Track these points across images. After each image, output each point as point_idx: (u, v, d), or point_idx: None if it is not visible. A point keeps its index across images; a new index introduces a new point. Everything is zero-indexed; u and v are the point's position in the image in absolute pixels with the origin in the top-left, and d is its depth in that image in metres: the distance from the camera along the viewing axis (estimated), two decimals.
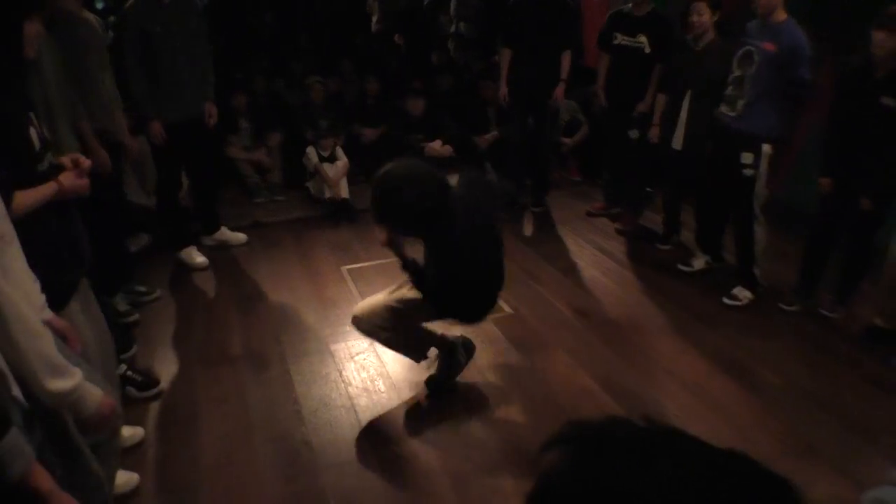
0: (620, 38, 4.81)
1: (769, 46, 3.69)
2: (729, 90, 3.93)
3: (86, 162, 2.11)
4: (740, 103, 3.85)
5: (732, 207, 4.13)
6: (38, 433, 1.43)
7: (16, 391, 1.39)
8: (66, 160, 2.06)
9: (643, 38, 4.71)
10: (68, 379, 1.49)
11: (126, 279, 3.96)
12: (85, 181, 2.07)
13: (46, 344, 1.46)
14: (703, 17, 4.16)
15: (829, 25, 4.14)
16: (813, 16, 3.76)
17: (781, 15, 3.70)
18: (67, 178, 1.99)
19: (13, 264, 1.56)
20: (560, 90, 5.24)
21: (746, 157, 3.87)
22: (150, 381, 3.24)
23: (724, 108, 3.97)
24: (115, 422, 1.65)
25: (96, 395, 1.57)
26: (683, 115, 4.37)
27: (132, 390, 3.16)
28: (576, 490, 0.57)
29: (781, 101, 3.79)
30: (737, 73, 3.88)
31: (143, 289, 4.10)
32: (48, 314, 1.85)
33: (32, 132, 1.91)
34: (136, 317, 3.83)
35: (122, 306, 3.78)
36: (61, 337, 1.86)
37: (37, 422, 1.44)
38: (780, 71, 3.69)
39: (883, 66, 3.42)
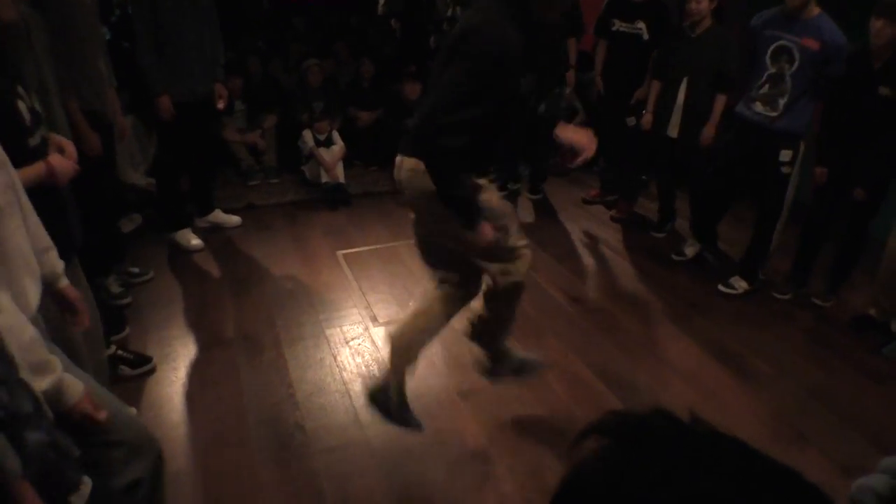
0: (619, 25, 4.79)
1: (812, 44, 3.54)
2: (765, 88, 3.74)
3: (71, 149, 2.08)
4: (781, 101, 3.69)
5: (761, 205, 4.05)
6: (46, 420, 1.38)
7: (25, 374, 1.36)
8: (52, 144, 2.03)
9: (642, 25, 4.68)
10: (48, 375, 1.46)
11: (118, 260, 3.95)
12: (71, 164, 2.04)
13: (28, 339, 1.43)
14: (701, 4, 4.13)
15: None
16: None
17: (815, 9, 3.56)
18: (57, 160, 1.95)
19: (11, 238, 1.54)
20: (571, 76, 5.23)
21: (785, 155, 3.77)
22: (142, 358, 3.24)
23: (760, 108, 3.78)
24: (102, 418, 1.59)
25: (77, 388, 1.54)
26: (679, 102, 4.36)
27: (125, 369, 3.17)
28: (611, 482, 0.55)
29: (816, 97, 3.72)
30: (772, 69, 3.70)
31: (135, 270, 4.09)
32: (64, 282, 1.84)
33: (21, 105, 1.87)
34: (128, 299, 3.82)
35: (114, 288, 3.76)
36: (72, 307, 1.87)
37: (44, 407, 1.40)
38: (820, 68, 3.58)
39: (880, 55, 3.42)
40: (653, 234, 4.95)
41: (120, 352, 3.21)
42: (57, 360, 1.51)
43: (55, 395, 1.47)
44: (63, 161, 1.99)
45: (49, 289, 1.77)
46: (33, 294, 1.61)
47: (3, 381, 1.23)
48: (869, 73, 3.46)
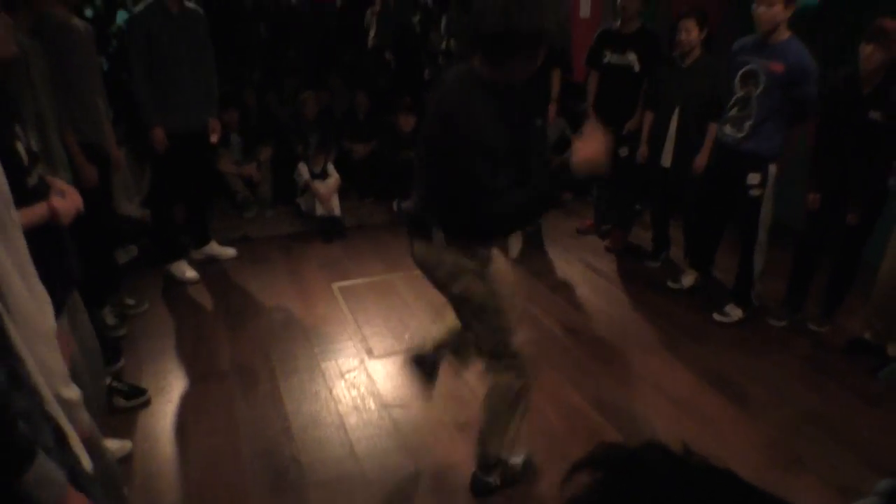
0: (610, 56, 4.84)
1: (776, 67, 3.61)
2: (734, 111, 3.83)
3: (73, 195, 2.07)
4: (747, 124, 3.76)
5: (739, 229, 4.08)
6: (69, 455, 1.38)
7: (52, 407, 1.36)
8: (53, 189, 2.03)
9: (632, 56, 4.74)
10: (74, 388, 1.48)
11: (114, 291, 3.95)
12: (73, 205, 2.04)
13: (56, 349, 1.45)
14: (692, 34, 4.20)
15: (821, 43, 4.17)
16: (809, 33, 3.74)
17: (785, 33, 3.62)
18: (58, 202, 1.95)
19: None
20: (552, 109, 5.24)
21: (753, 178, 3.82)
22: (136, 390, 3.24)
23: (728, 130, 3.87)
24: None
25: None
26: (672, 132, 4.40)
27: (120, 400, 3.17)
28: None
29: (787, 120, 3.76)
30: (740, 93, 3.78)
31: (131, 301, 4.09)
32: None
33: (20, 145, 1.88)
34: (124, 331, 3.82)
35: (110, 319, 3.77)
36: None
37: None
38: (787, 90, 3.63)
39: (870, 80, 3.46)
40: (648, 263, 4.96)
41: (115, 383, 3.20)
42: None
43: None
44: (64, 203, 1.99)
45: None
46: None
47: (26, 414, 1.23)
48: (859, 97, 3.50)
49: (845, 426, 3.16)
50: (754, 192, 3.86)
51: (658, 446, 0.59)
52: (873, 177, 3.54)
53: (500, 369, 2.46)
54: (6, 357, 1.25)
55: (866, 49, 3.39)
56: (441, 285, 2.40)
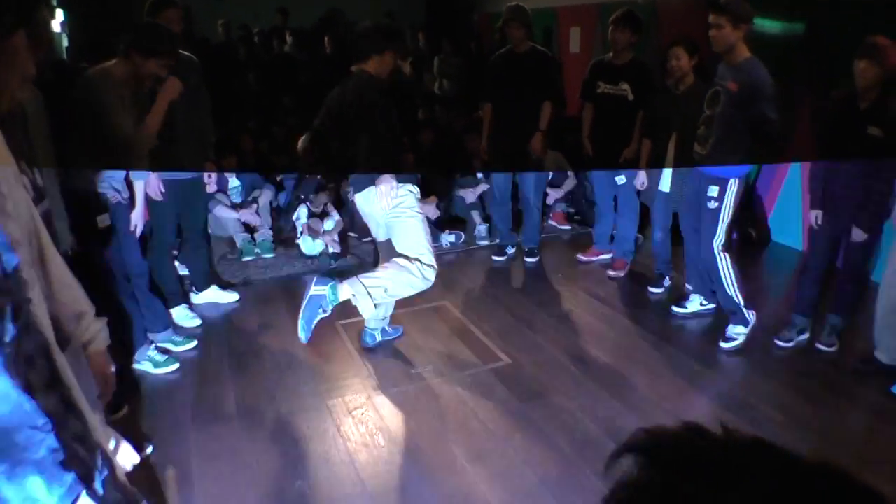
0: (603, 87, 4.91)
1: (731, 86, 3.66)
2: (701, 129, 3.90)
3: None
4: (710, 142, 3.83)
5: (704, 243, 4.06)
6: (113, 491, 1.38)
7: (98, 434, 1.36)
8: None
9: (626, 86, 4.80)
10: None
11: (161, 329, 4.05)
12: None
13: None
14: (682, 61, 4.25)
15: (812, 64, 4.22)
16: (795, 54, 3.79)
17: (744, 53, 3.64)
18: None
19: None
20: (537, 140, 5.12)
21: (712, 190, 3.88)
22: (138, 443, 3.15)
23: (697, 147, 3.94)
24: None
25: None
26: (670, 157, 4.43)
27: None
28: (658, 498, 0.53)
29: (747, 139, 3.73)
30: (707, 112, 3.86)
31: (179, 339, 4.13)
32: (96, 347, 1.79)
33: (25, 181, 1.88)
34: (175, 366, 3.88)
35: (158, 357, 3.85)
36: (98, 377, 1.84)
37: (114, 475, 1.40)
38: (741, 109, 3.63)
39: (867, 96, 3.49)
40: (651, 289, 4.94)
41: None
42: None
43: None
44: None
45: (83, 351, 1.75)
46: None
47: (81, 438, 1.25)
48: (856, 114, 3.53)
49: (863, 443, 3.12)
50: (711, 205, 3.88)
51: (697, 428, 0.58)
52: (875, 192, 3.55)
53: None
54: (57, 385, 1.26)
55: (860, 65, 3.43)
56: None
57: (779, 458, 0.55)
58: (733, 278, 3.96)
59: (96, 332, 1.77)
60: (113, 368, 1.84)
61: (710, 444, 0.57)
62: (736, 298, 3.99)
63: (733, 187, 3.85)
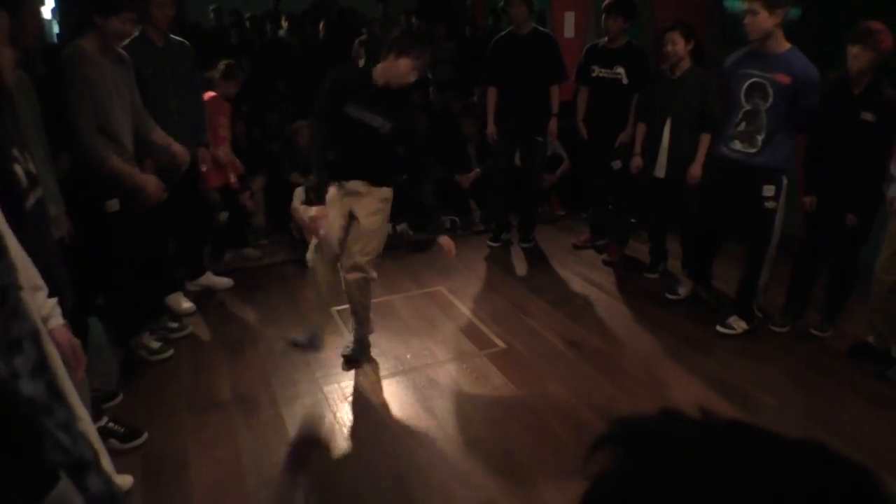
0: (598, 71, 4.89)
1: (783, 78, 3.57)
2: (742, 126, 3.76)
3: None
4: (759, 138, 3.71)
5: (747, 242, 4.02)
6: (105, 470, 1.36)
7: (84, 424, 1.35)
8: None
9: (620, 70, 4.78)
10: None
11: (158, 315, 4.08)
12: None
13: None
14: (678, 46, 4.23)
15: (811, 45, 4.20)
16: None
17: (784, 44, 3.60)
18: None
19: None
20: (553, 125, 5.23)
21: (768, 190, 3.75)
22: (133, 432, 3.13)
23: (738, 145, 3.79)
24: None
25: None
26: (665, 143, 4.42)
27: (114, 442, 3.03)
28: (634, 495, 0.53)
29: (793, 130, 3.74)
30: (747, 106, 3.72)
31: (174, 325, 4.13)
32: (53, 323, 1.77)
33: (18, 168, 1.86)
34: (169, 353, 3.86)
35: (153, 344, 3.83)
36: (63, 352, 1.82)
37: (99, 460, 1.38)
38: (794, 102, 3.61)
39: (860, 81, 3.49)
40: (646, 275, 4.95)
41: (111, 424, 3.09)
42: None
43: None
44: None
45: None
46: None
47: (66, 426, 1.23)
48: (850, 99, 3.52)
49: (854, 429, 3.13)
50: (769, 205, 3.79)
51: (674, 413, 0.57)
52: (868, 178, 3.55)
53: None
54: (44, 372, 1.25)
55: (853, 50, 3.42)
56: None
57: (757, 436, 0.54)
58: (769, 277, 3.96)
59: (52, 308, 1.77)
60: (77, 340, 1.84)
61: (686, 427, 0.56)
62: (759, 296, 4.00)
63: (785, 182, 3.78)
